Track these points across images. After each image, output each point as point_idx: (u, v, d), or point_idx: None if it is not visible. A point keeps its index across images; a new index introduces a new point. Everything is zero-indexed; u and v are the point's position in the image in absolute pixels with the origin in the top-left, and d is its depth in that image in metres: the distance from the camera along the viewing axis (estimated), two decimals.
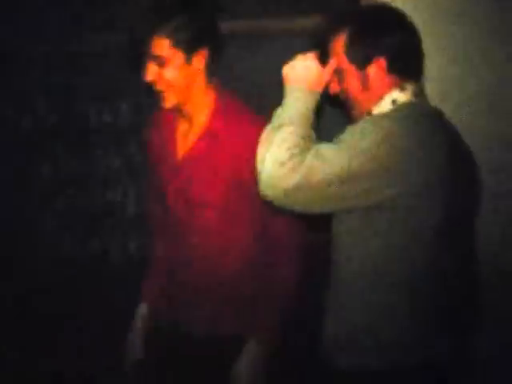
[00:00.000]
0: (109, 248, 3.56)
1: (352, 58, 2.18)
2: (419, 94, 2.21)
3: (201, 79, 2.40)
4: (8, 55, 3.56)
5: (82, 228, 3.59)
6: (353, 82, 2.20)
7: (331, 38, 2.22)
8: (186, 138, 2.45)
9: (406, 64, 2.19)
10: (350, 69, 2.19)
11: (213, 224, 2.36)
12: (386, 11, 2.24)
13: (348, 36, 2.18)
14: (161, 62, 2.33)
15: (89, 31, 3.45)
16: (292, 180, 2.00)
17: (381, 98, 2.18)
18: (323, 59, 2.24)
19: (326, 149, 2.04)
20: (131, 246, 3.52)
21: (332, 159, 2.00)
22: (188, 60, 2.35)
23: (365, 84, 2.18)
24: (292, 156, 2.02)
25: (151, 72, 2.34)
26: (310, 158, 2.01)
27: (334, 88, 2.25)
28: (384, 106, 2.18)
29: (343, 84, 2.22)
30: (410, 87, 2.19)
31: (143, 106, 3.40)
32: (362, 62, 2.17)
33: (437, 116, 2.21)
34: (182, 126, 2.46)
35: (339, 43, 2.19)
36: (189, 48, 2.33)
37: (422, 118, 2.14)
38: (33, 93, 3.57)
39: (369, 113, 2.20)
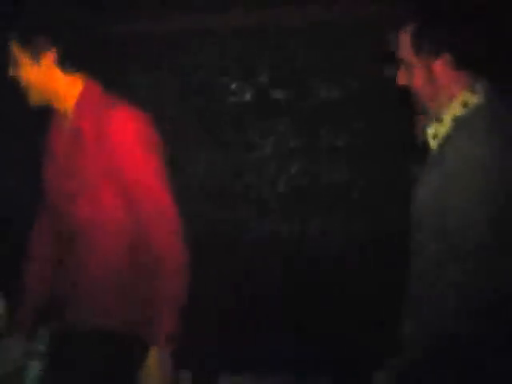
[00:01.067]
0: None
1: (418, 53, 2.08)
2: (491, 94, 2.08)
3: (57, 76, 2.40)
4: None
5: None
6: (419, 77, 2.10)
7: (399, 29, 2.12)
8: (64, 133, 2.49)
9: (477, 60, 2.08)
10: (416, 63, 2.09)
11: (86, 215, 2.36)
12: (458, 2, 2.10)
13: (414, 29, 2.07)
14: (15, 63, 2.39)
15: None
16: None
17: (450, 98, 2.08)
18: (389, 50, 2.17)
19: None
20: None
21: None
22: (35, 60, 2.37)
23: (431, 80, 2.08)
24: None
25: (12, 71, 2.41)
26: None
27: (402, 80, 2.15)
28: (455, 109, 2.07)
29: (410, 78, 2.12)
30: (481, 87, 2.07)
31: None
32: (428, 57, 2.07)
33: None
34: (62, 124, 2.48)
35: (406, 36, 2.09)
36: (34, 49, 2.36)
37: (497, 124, 2.03)
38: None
39: (439, 119, 2.10)
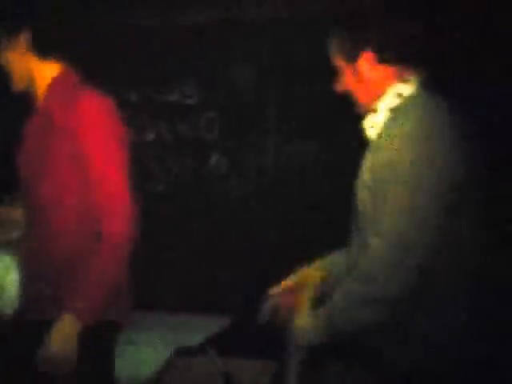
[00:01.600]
0: None
1: (341, 55, 2.16)
2: (427, 84, 2.13)
3: (32, 61, 2.42)
4: None
5: None
6: (348, 78, 2.18)
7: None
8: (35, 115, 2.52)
9: (400, 54, 2.11)
10: (344, 65, 2.18)
11: (48, 196, 2.38)
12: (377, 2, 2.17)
13: (336, 34, 2.17)
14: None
15: None
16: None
17: (382, 92, 2.13)
18: None
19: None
20: None
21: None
22: (11, 43, 2.40)
23: (358, 77, 2.15)
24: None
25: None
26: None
27: (338, 86, 2.23)
28: (389, 100, 2.12)
29: (343, 81, 2.20)
30: (413, 78, 2.12)
31: None
32: (350, 57, 2.15)
33: (446, 106, 2.11)
34: (36, 107, 2.50)
35: (333, 43, 2.19)
36: (8, 33, 2.39)
37: (433, 111, 2.07)
38: None
39: (373, 110, 2.15)
